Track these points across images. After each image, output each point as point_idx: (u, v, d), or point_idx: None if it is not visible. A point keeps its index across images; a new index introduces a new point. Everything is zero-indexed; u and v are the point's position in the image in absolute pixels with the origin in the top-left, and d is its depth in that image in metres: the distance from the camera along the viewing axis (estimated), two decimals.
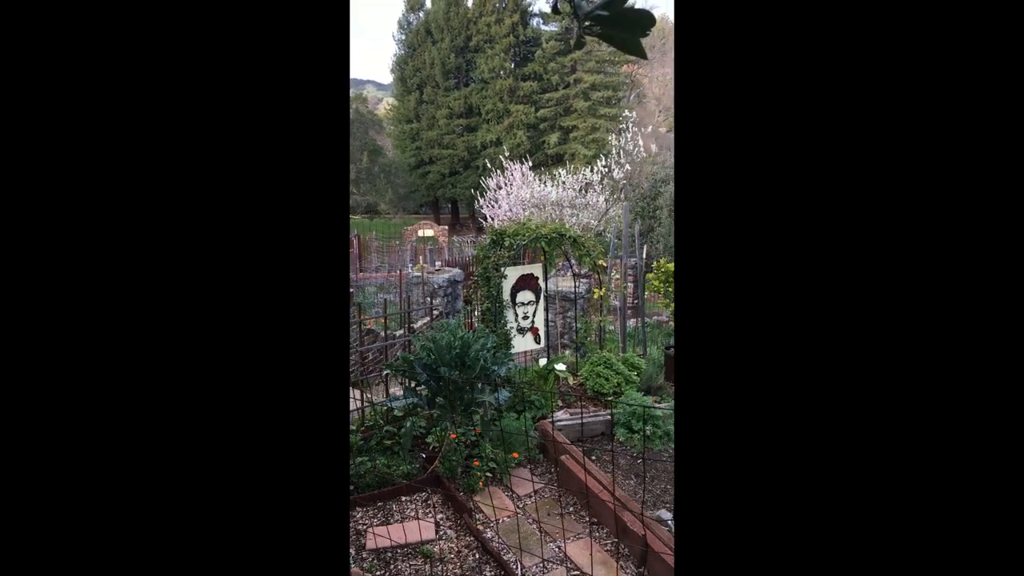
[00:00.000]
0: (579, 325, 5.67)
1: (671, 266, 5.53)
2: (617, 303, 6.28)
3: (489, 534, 3.07)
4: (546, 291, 5.05)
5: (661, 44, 27.87)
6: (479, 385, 3.44)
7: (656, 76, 27.22)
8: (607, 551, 2.91)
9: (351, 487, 3.29)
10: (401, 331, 6.59)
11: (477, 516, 3.23)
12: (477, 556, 2.88)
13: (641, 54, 0.83)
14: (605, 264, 5.48)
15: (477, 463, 3.50)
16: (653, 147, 16.75)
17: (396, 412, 3.85)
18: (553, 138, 26.21)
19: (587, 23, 0.78)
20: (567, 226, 5.23)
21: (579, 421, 4.08)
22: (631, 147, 14.26)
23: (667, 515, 3.11)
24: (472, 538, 3.01)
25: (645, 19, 0.79)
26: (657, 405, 4.29)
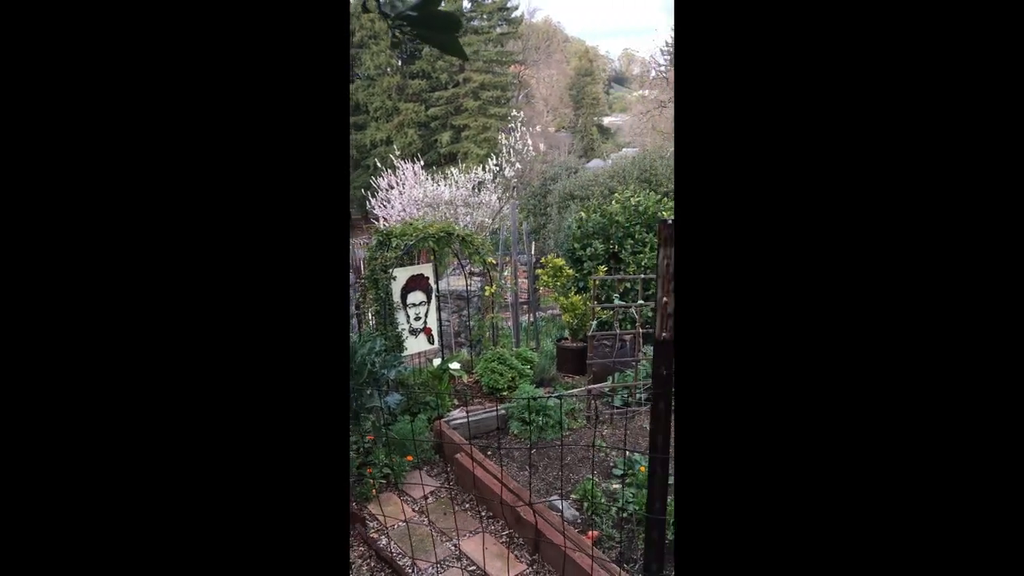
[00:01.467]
0: (473, 323, 5.71)
1: (559, 261, 5.73)
2: (510, 299, 6.40)
3: (383, 541, 3.01)
4: (438, 291, 5.02)
5: (546, 46, 28.72)
6: (368, 391, 3.36)
7: (542, 77, 28.01)
8: (502, 543, 2.96)
9: None
10: None
11: (371, 524, 3.15)
12: (372, 564, 2.82)
13: (461, 55, 0.85)
14: (495, 262, 5.57)
15: (371, 470, 3.41)
16: (542, 146, 17.24)
17: None
18: (445, 137, 26.10)
19: (398, 23, 0.79)
20: (455, 224, 5.24)
21: (474, 418, 4.12)
22: (520, 146, 14.56)
23: (558, 501, 3.22)
24: (366, 547, 2.94)
25: (452, 21, 0.81)
26: (548, 395, 4.43)
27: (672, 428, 1.11)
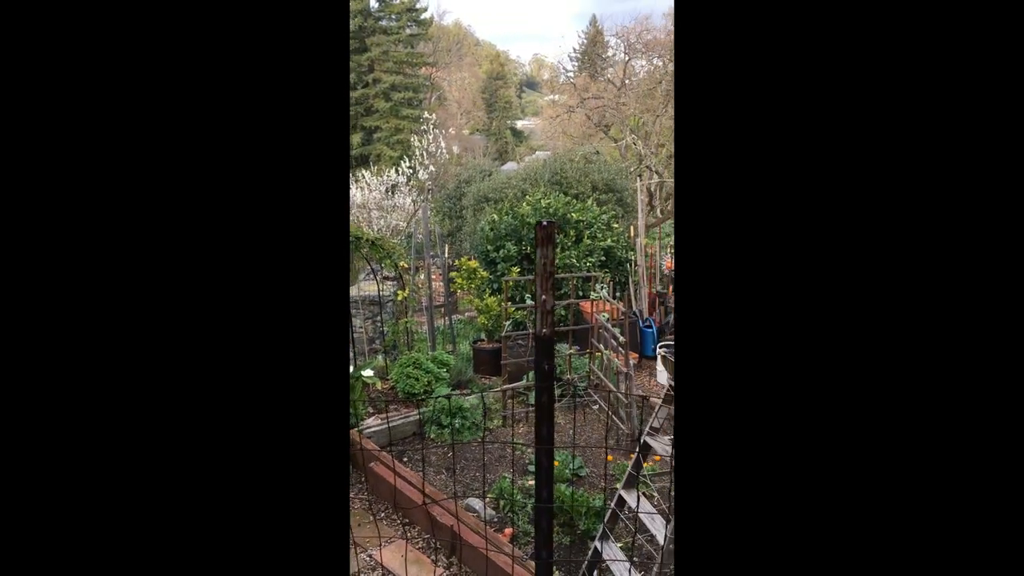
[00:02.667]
0: (387, 329, 5.61)
1: (473, 263, 5.76)
2: (424, 303, 6.35)
3: None
4: (349, 297, 4.89)
5: (457, 48, 28.72)
6: None
7: (454, 79, 27.99)
8: (419, 549, 2.94)
9: None
10: None
11: None
12: None
13: None
14: (407, 265, 5.50)
15: None
16: (456, 148, 17.23)
17: None
18: (356, 138, 25.39)
19: None
20: (366, 229, 5.13)
21: (390, 425, 4.05)
22: (434, 148, 14.47)
23: (476, 502, 3.25)
24: None
25: None
26: (464, 395, 4.44)
27: (554, 419, 1.15)
